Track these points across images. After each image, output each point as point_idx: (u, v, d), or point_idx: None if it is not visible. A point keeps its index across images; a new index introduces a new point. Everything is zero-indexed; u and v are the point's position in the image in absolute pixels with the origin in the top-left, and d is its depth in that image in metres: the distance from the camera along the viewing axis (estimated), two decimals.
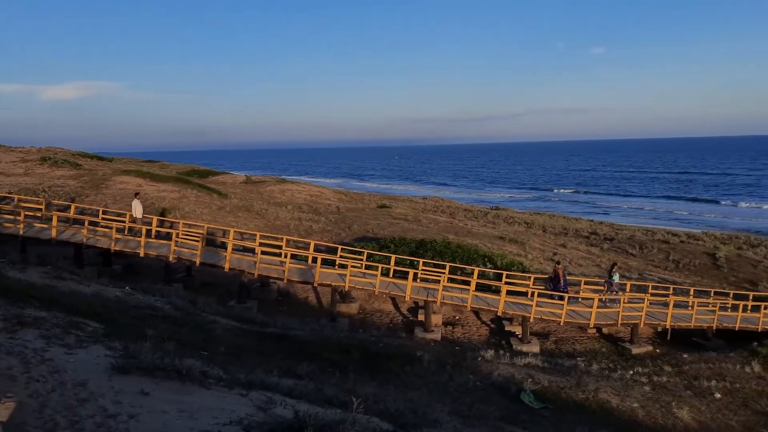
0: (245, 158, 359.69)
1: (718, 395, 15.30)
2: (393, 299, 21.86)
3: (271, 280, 21.18)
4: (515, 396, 13.40)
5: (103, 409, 4.82)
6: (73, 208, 24.24)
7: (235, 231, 24.15)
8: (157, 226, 22.77)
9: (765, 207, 79.91)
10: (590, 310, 19.37)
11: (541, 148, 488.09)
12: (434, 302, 19.33)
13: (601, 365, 17.40)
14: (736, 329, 20.89)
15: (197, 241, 20.61)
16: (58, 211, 24.25)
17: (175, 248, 19.97)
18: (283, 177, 78.27)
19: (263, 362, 11.07)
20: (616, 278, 23.13)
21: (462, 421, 9.70)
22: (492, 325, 21.21)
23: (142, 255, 20.28)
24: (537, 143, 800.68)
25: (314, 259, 20.57)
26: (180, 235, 20.99)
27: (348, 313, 20.89)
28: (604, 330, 21.18)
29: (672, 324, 20.39)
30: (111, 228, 20.84)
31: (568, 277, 22.48)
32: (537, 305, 19.00)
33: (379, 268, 19.97)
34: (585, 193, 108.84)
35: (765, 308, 21.64)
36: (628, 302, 20.85)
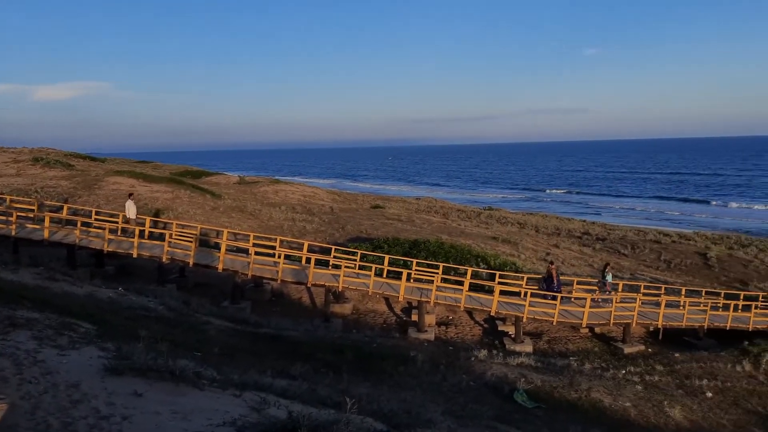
0: (238, 159, 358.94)
1: (709, 394, 15.39)
2: (386, 299, 21.88)
3: (264, 281, 21.17)
4: (508, 395, 13.44)
5: (95, 410, 4.81)
6: (65, 208, 24.14)
7: (228, 231, 24.10)
8: (150, 227, 22.70)
9: (755, 207, 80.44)
10: (583, 309, 19.44)
11: (534, 148, 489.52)
12: (428, 302, 19.35)
13: (594, 365, 17.47)
14: (728, 328, 21.01)
15: (190, 241, 20.57)
16: (51, 211, 24.15)
17: (169, 249, 19.92)
18: (276, 177, 78.16)
19: (257, 363, 11.07)
20: (609, 278, 23.24)
21: (455, 421, 9.72)
22: (485, 325, 21.27)
23: (135, 256, 20.21)
24: (530, 144, 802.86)
25: (308, 260, 20.56)
26: (173, 236, 20.95)
27: (341, 313, 20.90)
28: (597, 329, 21.28)
29: (664, 323, 20.50)
30: (104, 229, 20.78)
31: (561, 277, 22.56)
32: (530, 305, 19.06)
33: (373, 269, 19.99)
34: (577, 193, 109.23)
35: (756, 308, 21.80)
36: (621, 302, 20.95)
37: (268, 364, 11.26)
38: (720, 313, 21.62)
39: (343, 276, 19.44)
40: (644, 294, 23.09)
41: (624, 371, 16.60)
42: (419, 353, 15.41)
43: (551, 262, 23.69)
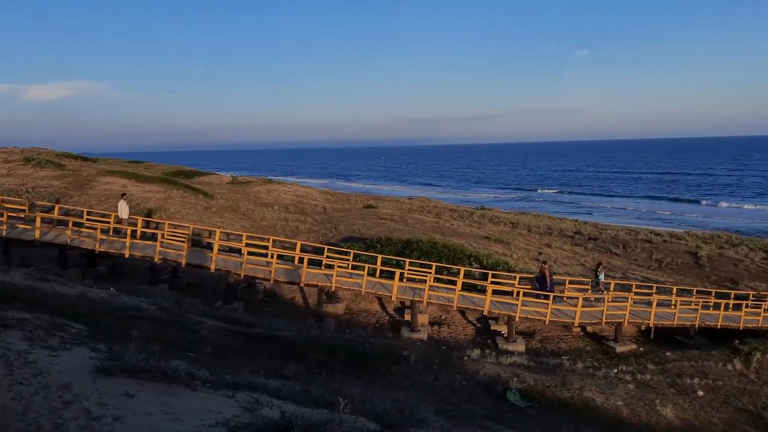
0: (231, 159, 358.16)
1: (700, 393, 15.48)
2: (379, 299, 21.89)
3: (257, 281, 21.13)
4: (501, 395, 13.47)
5: (87, 411, 4.79)
6: (57, 209, 24.00)
7: (221, 231, 24.04)
8: (142, 227, 22.61)
9: (745, 207, 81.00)
10: (575, 309, 19.52)
11: (526, 149, 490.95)
12: (420, 302, 19.37)
13: (586, 364, 17.54)
14: (718, 327, 21.13)
15: (183, 241, 20.49)
16: (42, 212, 24.01)
17: (161, 249, 19.84)
18: (269, 177, 78.03)
19: (250, 363, 11.04)
20: (601, 277, 23.35)
21: (448, 421, 9.73)
22: (478, 325, 21.31)
23: (127, 256, 20.11)
24: (522, 144, 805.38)
25: (301, 260, 20.54)
26: (165, 236, 20.87)
27: (334, 313, 20.89)
28: (589, 329, 21.36)
29: (655, 322, 20.62)
30: (96, 229, 20.66)
31: (553, 277, 22.62)
32: (522, 304, 19.11)
33: (366, 268, 19.99)
34: (569, 193, 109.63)
35: (746, 306, 21.95)
36: (612, 301, 21.05)
37: (260, 364, 11.23)
38: (711, 312, 21.75)
39: (336, 276, 19.42)
40: (636, 293, 23.21)
41: (616, 370, 16.67)
42: (412, 353, 15.42)
43: (544, 262, 23.77)
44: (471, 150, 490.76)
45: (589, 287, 23.31)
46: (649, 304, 21.07)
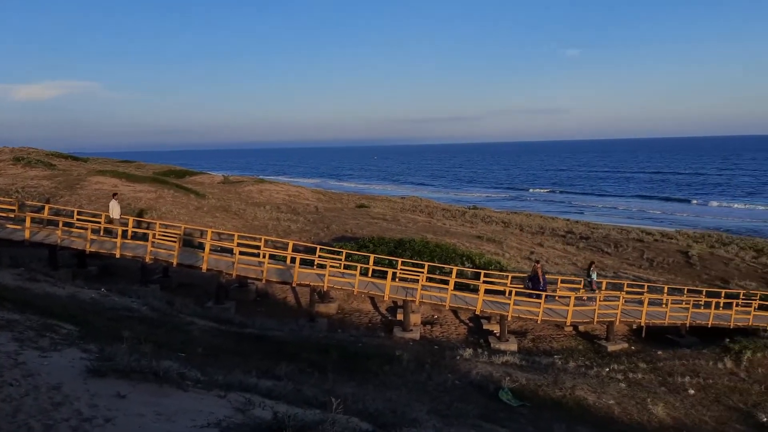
0: (222, 158, 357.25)
1: (691, 391, 15.57)
2: (372, 299, 21.87)
3: (249, 281, 21.06)
4: (494, 394, 13.50)
5: (78, 412, 4.76)
6: (47, 208, 23.84)
7: (212, 231, 23.96)
8: (133, 227, 22.49)
9: (735, 206, 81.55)
10: (567, 308, 19.57)
11: (517, 148, 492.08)
12: (413, 301, 19.38)
13: (578, 363, 17.60)
14: (709, 326, 21.27)
15: (174, 241, 20.39)
16: (32, 212, 23.83)
17: (152, 249, 19.74)
18: (261, 177, 77.88)
19: (242, 363, 11.01)
20: (594, 276, 23.44)
21: (441, 420, 9.73)
22: (470, 324, 21.33)
23: (118, 256, 20.00)
24: (514, 143, 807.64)
25: (293, 259, 20.49)
26: (157, 236, 20.76)
27: (327, 313, 20.86)
28: (581, 328, 21.43)
29: (647, 321, 20.71)
30: (86, 229, 20.54)
31: (546, 276, 22.68)
32: (515, 304, 19.16)
33: (358, 268, 19.96)
34: (561, 192, 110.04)
35: (736, 305, 22.09)
36: (604, 300, 21.12)
37: (253, 364, 11.20)
38: (702, 311, 21.87)
39: (329, 275, 19.40)
40: (627, 292, 23.31)
41: (608, 369, 16.74)
42: (404, 352, 15.43)
43: (537, 261, 23.83)
44: (463, 149, 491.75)
45: (581, 286, 23.39)
46: (641, 303, 21.17)
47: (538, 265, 22.04)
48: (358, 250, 23.98)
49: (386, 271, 19.70)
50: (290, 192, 49.42)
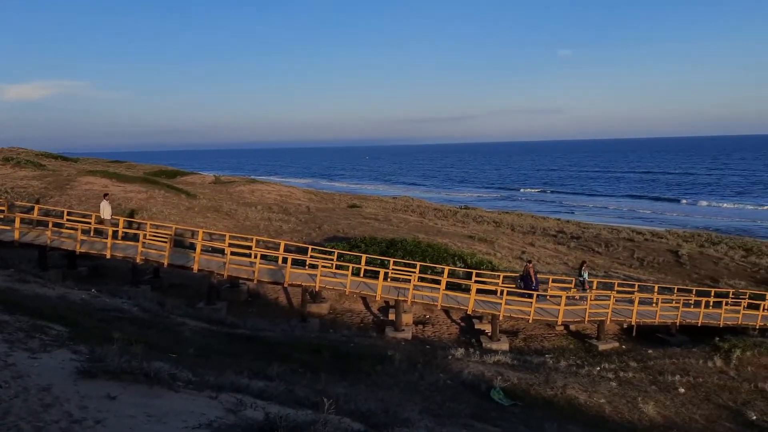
0: (214, 158, 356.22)
1: (681, 390, 15.65)
2: (364, 299, 21.87)
3: (240, 281, 21.00)
4: (485, 394, 13.52)
5: (68, 414, 4.73)
6: (36, 209, 23.70)
7: (203, 232, 23.89)
8: (124, 227, 22.39)
9: (724, 206, 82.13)
10: (558, 307, 19.64)
11: (509, 148, 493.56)
12: (405, 301, 19.39)
13: (569, 362, 17.65)
14: (699, 325, 21.40)
15: (165, 242, 20.31)
16: (22, 212, 23.70)
17: (143, 249, 19.65)
18: (252, 177, 77.71)
19: (233, 364, 10.97)
20: (585, 276, 23.54)
21: (433, 420, 9.74)
22: (462, 324, 21.37)
23: (108, 257, 19.90)
24: (505, 143, 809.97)
25: (284, 260, 20.45)
26: (147, 236, 20.68)
27: (318, 313, 20.84)
28: (572, 327, 21.51)
29: (637, 320, 20.82)
30: (76, 229, 20.42)
31: (537, 275, 22.76)
32: (506, 303, 19.20)
33: (350, 268, 19.95)
34: (551, 192, 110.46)
35: (726, 304, 22.24)
36: (595, 299, 21.22)
37: (244, 365, 11.17)
38: (692, 309, 22.00)
39: (320, 276, 19.38)
40: (618, 291, 23.42)
41: (599, 368, 16.80)
42: (396, 352, 15.43)
43: (529, 261, 23.91)
44: (454, 149, 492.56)
45: (573, 286, 23.48)
46: (631, 302, 21.28)
47: (530, 265, 22.11)
48: (349, 250, 23.96)
49: (378, 271, 19.70)
50: (282, 192, 49.33)
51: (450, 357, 16.22)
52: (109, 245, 19.73)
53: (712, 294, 23.54)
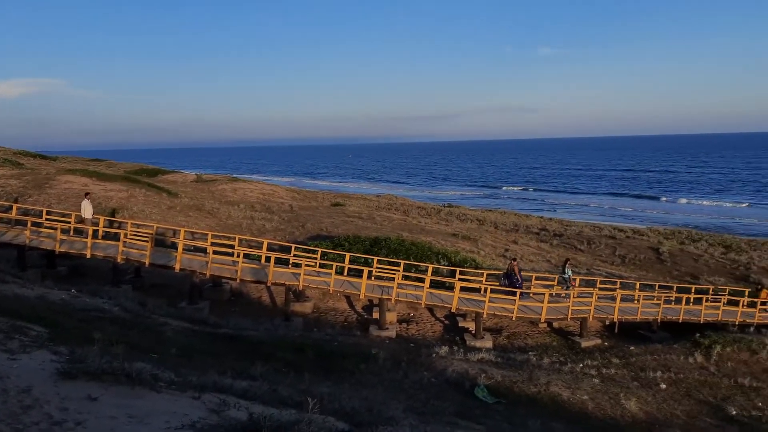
0: (196, 157, 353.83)
1: (663, 386, 15.81)
2: (347, 297, 21.84)
3: (223, 280, 20.87)
4: (469, 391, 13.56)
5: (48, 416, 4.65)
6: (15, 208, 23.35)
7: (185, 231, 23.68)
8: (105, 227, 22.13)
9: (704, 203, 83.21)
10: (541, 305, 19.74)
11: (491, 146, 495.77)
12: (389, 300, 19.39)
13: (552, 359, 17.75)
14: (680, 321, 21.64)
15: (146, 241, 20.11)
16: (0, 211, 23.35)
17: (124, 249, 19.43)
18: (234, 176, 77.29)
19: (216, 364, 10.89)
20: (569, 273, 23.68)
21: (417, 418, 9.75)
22: (446, 322, 21.41)
23: (88, 256, 19.65)
24: (487, 141, 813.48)
25: (267, 259, 20.36)
26: (128, 236, 20.45)
27: (302, 312, 20.77)
28: (555, 324, 21.65)
29: (619, 317, 21.00)
30: (56, 229, 20.15)
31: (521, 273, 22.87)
32: (490, 301, 19.27)
33: (334, 267, 19.91)
34: (534, 190, 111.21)
35: (706, 301, 22.53)
36: (578, 297, 21.36)
37: (227, 364, 11.09)
38: (673, 306, 22.26)
39: (304, 274, 19.31)
40: (600, 288, 23.61)
41: (581, 365, 16.92)
42: (381, 351, 15.42)
43: (513, 259, 24.02)
44: (438, 147, 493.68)
45: (556, 283, 23.63)
46: (613, 299, 21.47)
47: (515, 263, 22.21)
48: (333, 249, 23.91)
49: (362, 270, 19.69)
50: (264, 191, 49.13)
51: (434, 355, 16.24)
52: (89, 245, 19.49)
53: (693, 291, 23.85)
